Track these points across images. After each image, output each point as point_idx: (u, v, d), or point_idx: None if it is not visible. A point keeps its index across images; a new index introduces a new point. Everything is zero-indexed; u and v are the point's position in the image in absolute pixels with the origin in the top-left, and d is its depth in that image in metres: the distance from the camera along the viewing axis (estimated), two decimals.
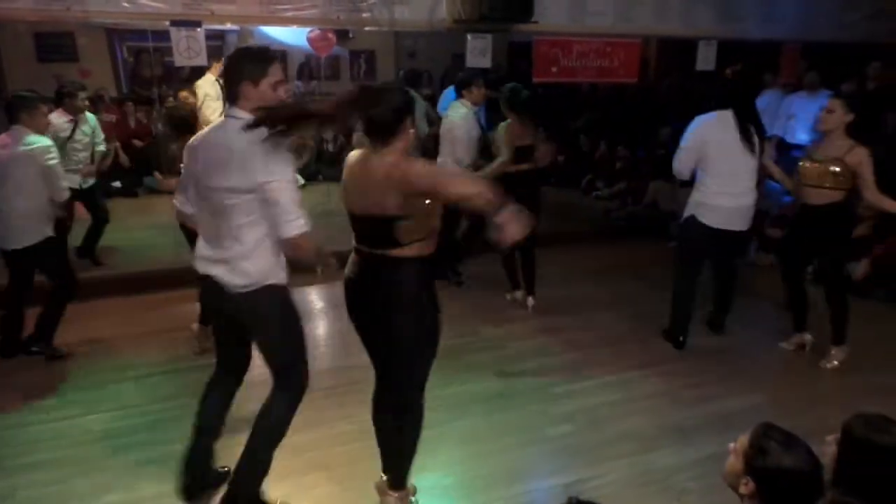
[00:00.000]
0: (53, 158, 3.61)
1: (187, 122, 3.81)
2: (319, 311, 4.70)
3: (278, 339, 2.37)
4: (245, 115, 2.13)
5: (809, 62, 6.78)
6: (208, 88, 6.35)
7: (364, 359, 2.45)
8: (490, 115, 5.75)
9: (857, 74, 6.63)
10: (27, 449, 2.96)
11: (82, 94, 4.86)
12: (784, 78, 6.69)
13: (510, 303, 4.72)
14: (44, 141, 3.61)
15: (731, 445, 1.67)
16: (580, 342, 4.08)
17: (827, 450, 1.68)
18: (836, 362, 3.76)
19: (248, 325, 2.37)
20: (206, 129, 2.35)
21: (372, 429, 2.63)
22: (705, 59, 6.17)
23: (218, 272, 2.26)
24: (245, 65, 2.18)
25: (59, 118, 4.68)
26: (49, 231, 3.67)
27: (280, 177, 2.09)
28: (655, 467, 2.83)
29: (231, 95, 2.21)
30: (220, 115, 7.11)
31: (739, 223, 3.77)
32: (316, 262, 2.50)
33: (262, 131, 2.05)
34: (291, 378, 2.40)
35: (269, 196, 2.09)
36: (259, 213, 2.15)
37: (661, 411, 3.29)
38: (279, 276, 2.28)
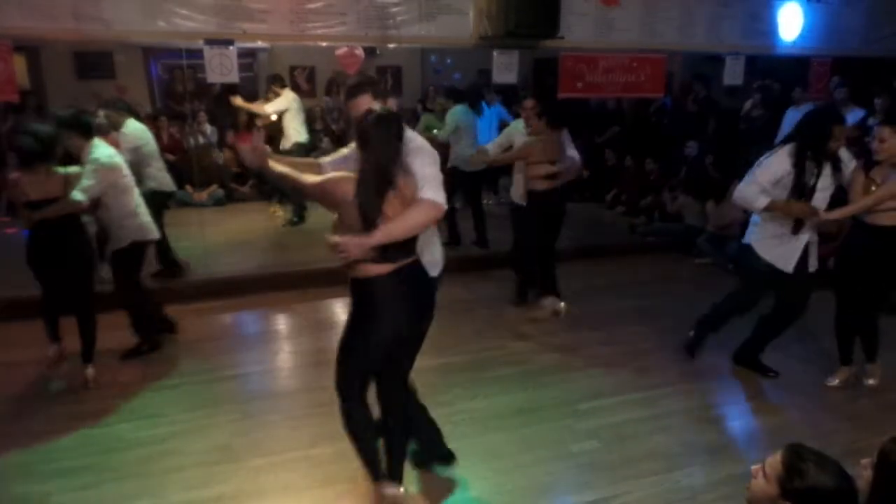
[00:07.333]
0: None
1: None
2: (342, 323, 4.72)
3: None
4: None
5: (840, 78, 6.70)
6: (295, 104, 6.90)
7: None
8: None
9: (887, 90, 6.52)
10: (59, 455, 3.04)
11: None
12: (813, 93, 6.60)
13: (534, 317, 4.71)
14: None
15: (754, 468, 1.64)
16: (604, 358, 4.05)
17: (863, 473, 1.64)
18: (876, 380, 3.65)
19: None
20: None
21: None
22: (732, 74, 6.12)
23: None
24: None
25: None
26: None
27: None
28: (681, 486, 2.79)
29: None
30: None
31: None
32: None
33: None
34: None
35: None
36: None
37: (687, 429, 3.24)
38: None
